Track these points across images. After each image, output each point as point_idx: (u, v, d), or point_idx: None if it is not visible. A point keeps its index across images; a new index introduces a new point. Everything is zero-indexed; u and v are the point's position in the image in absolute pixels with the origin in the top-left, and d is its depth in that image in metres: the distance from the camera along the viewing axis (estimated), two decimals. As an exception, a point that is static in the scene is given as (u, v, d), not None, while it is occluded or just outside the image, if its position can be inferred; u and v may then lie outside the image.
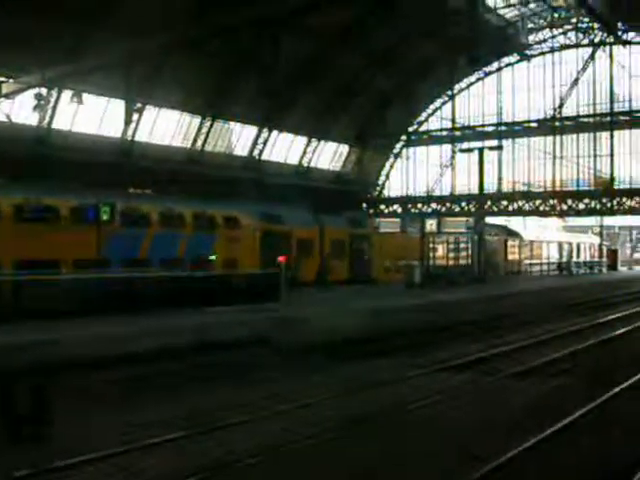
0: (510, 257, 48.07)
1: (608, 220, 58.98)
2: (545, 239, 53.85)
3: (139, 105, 36.04)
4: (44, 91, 30.72)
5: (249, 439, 9.11)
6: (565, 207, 48.68)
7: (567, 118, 49.09)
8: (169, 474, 7.85)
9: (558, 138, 49.36)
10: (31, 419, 9.36)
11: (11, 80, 28.07)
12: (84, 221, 23.89)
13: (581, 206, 48.25)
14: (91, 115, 35.34)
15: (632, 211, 48.26)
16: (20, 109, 31.96)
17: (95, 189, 24.85)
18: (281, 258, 22.85)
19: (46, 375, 10.79)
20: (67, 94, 31.99)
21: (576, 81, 48.66)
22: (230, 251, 28.59)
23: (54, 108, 33.42)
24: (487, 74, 51.56)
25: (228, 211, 29.87)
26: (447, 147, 52.61)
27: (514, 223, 54.00)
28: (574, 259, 54.90)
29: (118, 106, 34.48)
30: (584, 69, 48.42)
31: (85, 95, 31.56)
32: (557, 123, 49.20)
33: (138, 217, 25.86)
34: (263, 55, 29.34)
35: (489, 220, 50.99)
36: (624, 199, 46.95)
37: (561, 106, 49.00)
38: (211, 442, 9.01)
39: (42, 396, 9.60)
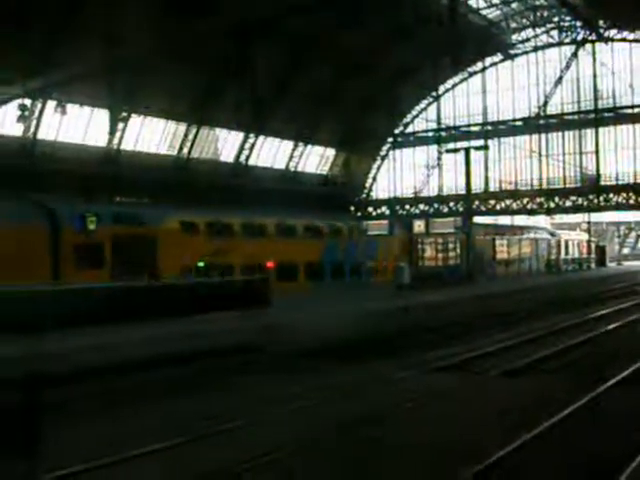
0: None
1: (596, 216, 59.19)
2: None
3: (124, 114, 36.00)
4: (28, 102, 30.68)
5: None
6: (552, 205, 48.94)
7: (552, 116, 49.32)
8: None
9: (543, 136, 49.60)
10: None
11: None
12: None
13: (568, 203, 48.50)
14: (76, 125, 35.27)
15: (619, 207, 48.57)
16: (4, 120, 31.96)
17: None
18: (269, 264, 22.89)
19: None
20: (51, 105, 31.97)
21: (560, 79, 48.90)
22: (387, 255, 36.39)
23: (39, 119, 33.31)
24: (471, 74, 51.73)
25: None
26: (433, 148, 52.70)
27: (502, 221, 54.28)
28: (562, 256, 55.09)
29: (104, 115, 34.58)
30: (567, 67, 48.66)
31: (70, 105, 31.56)
32: (542, 121, 49.40)
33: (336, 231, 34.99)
34: (244, 62, 29.42)
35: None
36: (610, 195, 47.23)
37: (546, 104, 49.24)
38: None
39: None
